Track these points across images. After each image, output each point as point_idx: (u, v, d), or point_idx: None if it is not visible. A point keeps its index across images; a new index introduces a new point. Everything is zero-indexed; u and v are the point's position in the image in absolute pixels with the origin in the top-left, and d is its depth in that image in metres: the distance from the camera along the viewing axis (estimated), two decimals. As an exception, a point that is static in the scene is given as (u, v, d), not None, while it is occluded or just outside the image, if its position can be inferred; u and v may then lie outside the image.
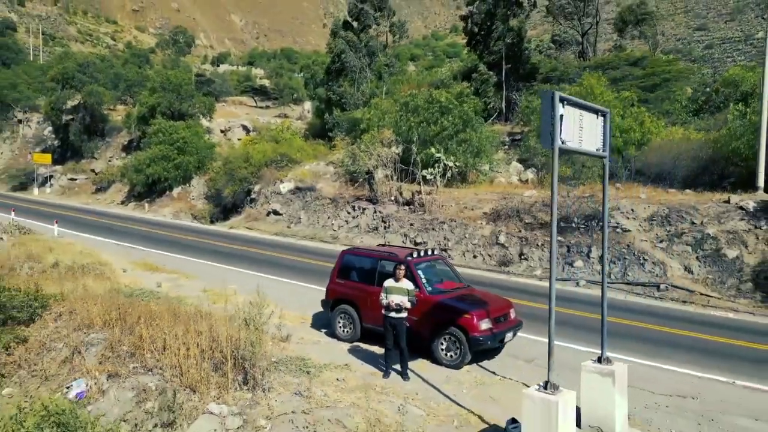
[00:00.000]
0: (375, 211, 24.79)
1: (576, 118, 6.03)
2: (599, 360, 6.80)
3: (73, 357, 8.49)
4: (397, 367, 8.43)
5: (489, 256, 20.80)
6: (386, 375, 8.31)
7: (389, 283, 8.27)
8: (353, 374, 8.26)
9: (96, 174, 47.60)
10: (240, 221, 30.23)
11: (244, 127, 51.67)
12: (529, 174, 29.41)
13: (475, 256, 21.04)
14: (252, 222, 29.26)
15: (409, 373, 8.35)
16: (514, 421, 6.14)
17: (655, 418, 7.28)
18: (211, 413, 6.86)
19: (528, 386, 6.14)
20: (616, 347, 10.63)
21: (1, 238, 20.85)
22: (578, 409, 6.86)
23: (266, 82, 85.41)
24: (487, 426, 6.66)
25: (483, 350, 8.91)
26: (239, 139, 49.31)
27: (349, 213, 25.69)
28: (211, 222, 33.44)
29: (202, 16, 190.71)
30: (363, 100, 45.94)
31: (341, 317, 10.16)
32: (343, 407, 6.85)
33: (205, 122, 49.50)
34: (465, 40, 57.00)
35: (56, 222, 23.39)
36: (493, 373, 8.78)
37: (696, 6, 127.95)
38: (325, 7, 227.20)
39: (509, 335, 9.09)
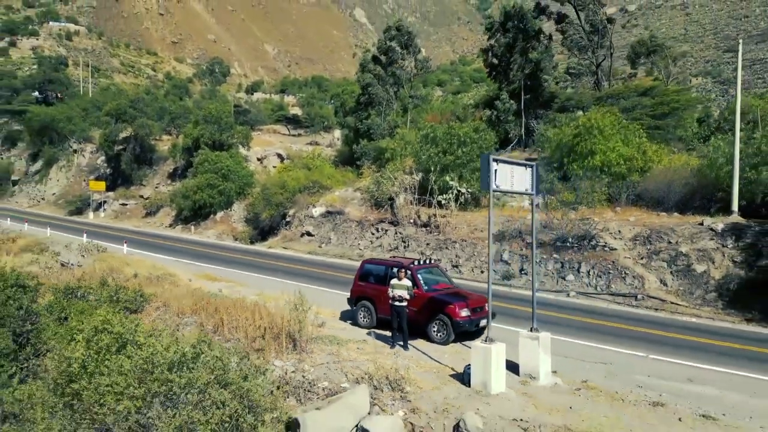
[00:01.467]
0: (396, 233, 28.45)
1: (508, 170, 9.59)
2: (531, 329, 10.19)
3: (174, 332, 12.25)
4: (401, 342, 11.94)
5: (494, 271, 24.11)
6: (392, 346, 11.84)
7: (394, 281, 11.86)
8: (369, 345, 11.83)
9: (145, 199, 52.69)
10: (277, 242, 34.24)
11: (279, 155, 56.25)
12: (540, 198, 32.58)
13: (482, 272, 24.39)
14: (287, 242, 33.23)
15: (409, 346, 11.86)
16: (469, 366, 9.60)
17: (575, 373, 10.60)
18: (274, 365, 10.49)
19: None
20: (581, 336, 14.01)
21: (83, 256, 25.20)
22: (518, 365, 10.28)
23: (298, 111, 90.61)
24: (454, 372, 10.12)
25: (464, 332, 12.33)
26: (274, 167, 53.81)
27: (373, 234, 29.41)
28: (251, 242, 37.53)
29: (237, 46, 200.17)
30: (388, 130, 50.08)
31: (362, 310, 13.78)
32: (360, 361, 10.42)
33: (243, 151, 54.25)
34: (486, 71, 60.92)
35: (125, 242, 27.76)
36: (469, 347, 12.20)
37: (726, 28, 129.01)
38: (355, 35, 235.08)
39: (483, 322, 12.51)
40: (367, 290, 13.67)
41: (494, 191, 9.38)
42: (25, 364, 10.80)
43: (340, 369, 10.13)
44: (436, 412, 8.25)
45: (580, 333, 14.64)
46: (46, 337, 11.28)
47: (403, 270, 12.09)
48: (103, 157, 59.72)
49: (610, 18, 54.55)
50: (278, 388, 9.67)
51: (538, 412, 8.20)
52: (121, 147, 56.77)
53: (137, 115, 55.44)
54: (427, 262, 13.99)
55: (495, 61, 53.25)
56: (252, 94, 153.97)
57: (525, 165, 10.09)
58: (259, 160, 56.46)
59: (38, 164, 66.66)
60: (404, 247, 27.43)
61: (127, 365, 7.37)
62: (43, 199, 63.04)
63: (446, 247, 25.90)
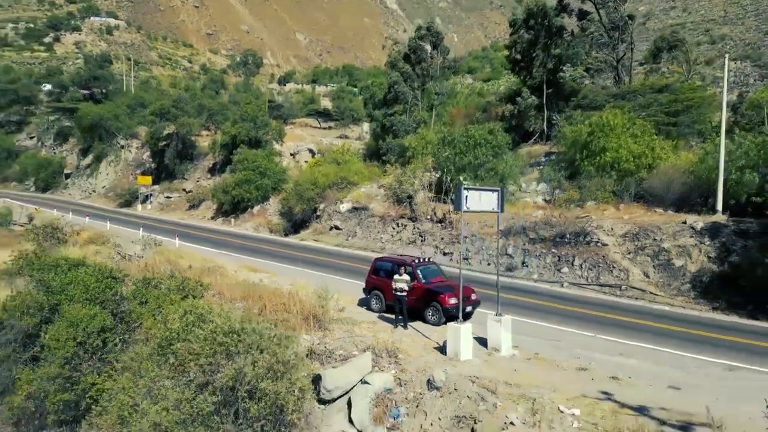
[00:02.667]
0: (414, 228, 31.88)
1: (476, 195, 12.92)
2: (497, 314, 13.56)
3: (229, 312, 16.04)
4: (403, 324, 15.46)
5: (500, 263, 27.36)
6: (395, 326, 15.37)
7: (396, 276, 15.35)
8: (377, 326, 15.41)
9: (187, 193, 57.39)
10: (308, 234, 38.11)
11: (310, 150, 60.13)
12: (545, 196, 35.45)
13: (489, 264, 27.64)
14: (318, 235, 37.05)
15: (408, 326, 15.37)
16: (446, 341, 13.06)
17: (534, 348, 13.93)
18: (304, 338, 14.16)
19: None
20: (552, 320, 17.28)
21: (143, 248, 29.52)
22: (486, 340, 13.69)
23: (329, 103, 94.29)
24: (437, 345, 13.59)
25: (453, 316, 15.71)
26: (306, 162, 57.74)
27: (394, 229, 32.92)
28: (285, 234, 41.51)
29: (270, 36, 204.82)
30: (413, 127, 53.28)
31: (374, 297, 17.35)
32: (368, 336, 14.00)
33: (277, 146, 58.34)
34: (510, 67, 63.35)
35: (177, 236, 32.05)
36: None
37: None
38: (386, 22, 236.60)
39: (469, 308, 15.89)
40: (378, 282, 17.22)
41: (465, 211, 12.74)
42: (122, 336, 14.77)
43: (352, 342, 13.74)
44: (417, 371, 11.76)
45: (555, 318, 17.87)
46: (135, 316, 15.23)
47: (403, 267, 15.58)
48: (148, 153, 64.77)
49: (631, 15, 56.01)
50: (307, 355, 13.36)
51: (489, 373, 11.63)
52: (164, 143, 61.61)
53: (179, 114, 60.04)
54: (426, 260, 17.47)
55: (518, 56, 55.69)
56: (284, 84, 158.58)
57: (492, 190, 13.41)
58: (292, 155, 60.46)
59: (88, 159, 72.36)
60: (421, 241, 30.88)
61: (201, 334, 11.14)
62: (94, 191, 68.70)
63: (458, 242, 29.19)
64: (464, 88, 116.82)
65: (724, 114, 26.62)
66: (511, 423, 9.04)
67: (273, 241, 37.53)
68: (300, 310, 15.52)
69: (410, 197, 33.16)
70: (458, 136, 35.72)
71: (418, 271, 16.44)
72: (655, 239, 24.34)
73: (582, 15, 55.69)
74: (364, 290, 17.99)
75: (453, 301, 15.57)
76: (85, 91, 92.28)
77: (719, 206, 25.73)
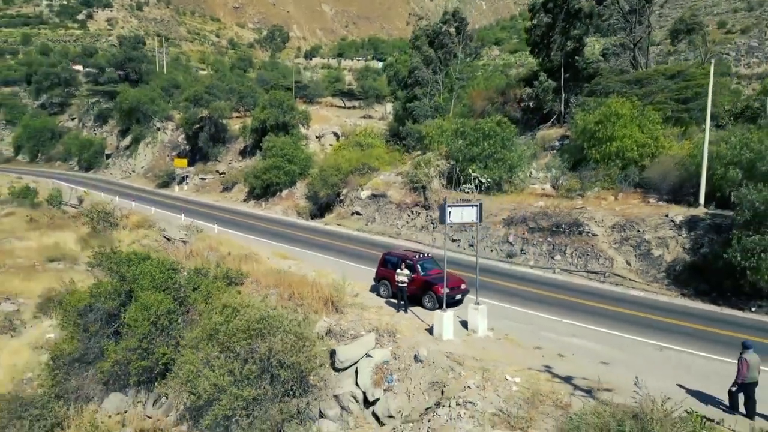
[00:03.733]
0: (426, 215, 35.44)
1: (459, 211, 16.43)
2: (476, 303, 17.20)
3: (264, 299, 20.08)
4: (404, 309, 19.25)
5: (501, 251, 30.86)
6: (398, 311, 19.18)
7: (398, 270, 19.08)
8: (383, 310, 19.24)
9: (220, 174, 61.83)
10: (332, 218, 42.02)
11: (335, 134, 63.68)
12: (552, 183, 38.36)
13: (492, 251, 31.15)
14: (341, 219, 40.93)
15: (408, 311, 19.16)
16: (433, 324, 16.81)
17: (506, 330, 17.56)
18: (324, 320, 18.07)
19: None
20: (530, 306, 20.81)
21: (186, 234, 33.88)
22: (466, 323, 17.39)
23: (353, 84, 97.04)
24: (428, 327, 17.36)
25: (446, 303, 19.44)
26: (330, 145, 61.37)
27: (409, 216, 36.54)
28: (313, 217, 45.50)
29: (296, 8, 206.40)
30: (432, 112, 56.16)
31: (382, 285, 21.15)
32: (374, 319, 17.83)
33: (303, 130, 62.04)
34: (529, 49, 65.36)
35: (216, 223, 36.37)
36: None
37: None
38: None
39: (459, 296, 19.56)
40: (386, 273, 20.98)
41: (448, 224, 16.31)
42: (182, 316, 18.92)
43: (361, 324, 17.60)
44: (408, 348, 15.56)
45: (534, 304, 21.37)
46: (191, 300, 19.36)
47: (404, 262, 19.30)
48: (182, 136, 69.27)
49: (649, -1, 57.09)
50: (326, 333, 17.29)
51: (463, 350, 15.35)
52: (198, 126, 65.93)
53: (211, 99, 64.07)
54: (425, 255, 21.13)
55: (537, 39, 57.71)
56: (310, 59, 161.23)
57: (472, 205, 16.89)
58: (317, 137, 64.14)
59: (127, 140, 77.39)
60: (433, 228, 34.44)
61: (240, 324, 15.13)
62: (133, 171, 73.85)
63: (465, 230, 32.70)
64: (487, 64, 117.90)
65: (708, 112, 29.10)
66: (468, 387, 12.75)
67: (300, 225, 41.58)
68: (321, 296, 19.42)
69: (424, 187, 36.60)
70: (469, 129, 38.71)
71: (418, 266, 20.14)
72: (638, 231, 27.42)
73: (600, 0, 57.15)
74: (375, 279, 21.82)
75: (444, 291, 19.24)
76: (121, 72, 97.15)
77: (701, 200, 28.53)
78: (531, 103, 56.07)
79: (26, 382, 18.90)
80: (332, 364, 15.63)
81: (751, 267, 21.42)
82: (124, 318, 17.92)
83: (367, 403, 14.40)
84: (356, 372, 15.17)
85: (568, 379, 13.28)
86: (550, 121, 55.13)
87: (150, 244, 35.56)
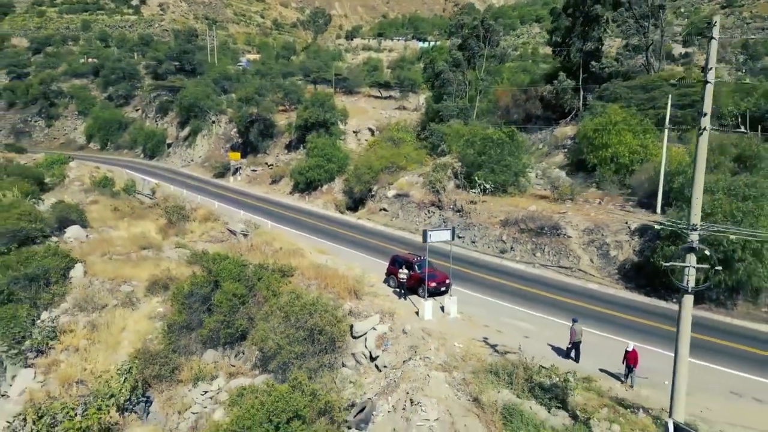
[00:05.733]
0: (440, 215, 43.75)
1: (438, 233, 24.89)
2: (450, 295, 25.73)
3: (307, 288, 29.11)
4: (404, 298, 27.96)
5: (495, 247, 38.99)
6: (399, 298, 27.95)
7: (400, 270, 27.79)
8: (389, 297, 28.06)
9: (269, 166, 71.45)
10: (363, 213, 50.85)
11: (370, 129, 72.04)
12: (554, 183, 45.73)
13: (488, 247, 39.31)
14: (370, 214, 49.69)
15: (407, 299, 27.90)
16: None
17: (470, 313, 26.04)
18: (348, 304, 26.98)
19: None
20: (499, 296, 29.27)
21: (246, 228, 43.38)
22: (443, 307, 26.05)
23: (389, 72, 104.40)
24: (416, 311, 26.04)
25: (433, 293, 27.95)
26: (366, 140, 69.84)
27: (425, 214, 44.93)
28: (348, 209, 54.41)
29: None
30: (456, 113, 63.65)
31: (391, 279, 29.96)
32: (382, 305, 26.66)
33: (341, 126, 70.69)
34: (551, 50, 71.81)
35: (270, 218, 45.84)
36: (434, 300, 27.98)
37: None
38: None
39: (443, 288, 28.12)
40: (393, 270, 29.69)
41: (429, 242, 24.82)
42: (252, 299, 28.15)
43: (372, 307, 26.40)
44: (400, 324, 24.26)
45: (503, 294, 29.61)
46: (257, 288, 28.60)
47: (404, 264, 27.97)
48: (235, 129, 79.12)
49: (661, 4, 62.62)
50: (348, 313, 26.20)
51: (435, 326, 23.95)
52: (249, 121, 75.51)
53: (261, 99, 73.43)
54: (421, 258, 29.64)
55: (558, 39, 64.28)
56: (351, 39, 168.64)
57: (446, 229, 25.24)
58: (354, 132, 72.67)
59: (186, 131, 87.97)
60: (444, 226, 42.68)
61: (298, 305, 24.25)
62: (192, 160, 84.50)
63: (468, 228, 40.93)
64: (526, 43, 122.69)
65: (667, 123, 36.08)
66: (430, 349, 21.37)
67: (336, 219, 50.65)
68: (346, 287, 28.28)
69: (438, 192, 44.82)
70: (479, 140, 46.34)
71: (415, 266, 28.73)
72: (602, 234, 35.06)
73: (616, 5, 62.94)
74: (386, 274, 30.59)
75: (434, 284, 27.85)
76: (176, 63, 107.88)
77: (658, 209, 35.81)
78: (552, 101, 62.95)
79: (149, 341, 28.63)
80: (351, 334, 24.52)
81: (670, 270, 28.97)
82: (214, 300, 27.30)
83: (372, 358, 23.24)
84: (365, 339, 24.01)
85: (494, 346, 21.76)
86: (569, 118, 61.91)
87: (216, 235, 45.44)
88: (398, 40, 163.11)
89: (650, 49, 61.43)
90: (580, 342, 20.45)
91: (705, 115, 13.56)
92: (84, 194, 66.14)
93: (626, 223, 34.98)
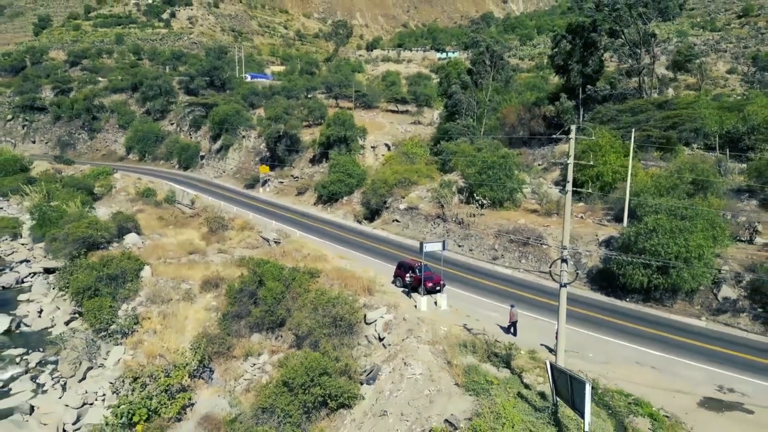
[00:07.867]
0: (443, 226, 51.86)
1: (431, 245, 33.12)
2: (441, 292, 33.90)
3: (331, 286, 37.46)
4: (408, 294, 36.18)
5: (489, 255, 46.95)
6: (405, 294, 36.21)
7: (407, 272, 36.12)
8: (396, 294, 36.32)
9: (295, 178, 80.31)
10: (379, 223, 59.19)
11: (386, 145, 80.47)
12: (539, 203, 53.59)
13: (483, 254, 47.30)
14: (385, 225, 58.01)
15: (411, 296, 36.14)
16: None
17: (458, 306, 34.14)
18: (363, 299, 35.30)
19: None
20: (485, 294, 37.49)
21: (278, 237, 51.99)
22: (436, 302, 34.30)
23: (405, 85, 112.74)
24: (416, 304, 34.26)
25: (430, 291, 36.05)
26: (383, 155, 78.28)
27: (431, 226, 53.07)
28: (365, 219, 62.80)
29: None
30: (464, 131, 71.80)
31: (397, 280, 38.28)
32: (389, 300, 34.94)
33: (360, 142, 79.26)
34: (554, 72, 79.60)
35: (298, 228, 54.47)
36: (429, 296, 36.12)
37: None
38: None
39: (438, 288, 36.28)
40: (399, 273, 37.96)
41: (425, 253, 33.03)
42: (289, 295, 36.65)
43: (381, 301, 34.66)
44: (401, 314, 32.45)
45: (488, 293, 37.59)
46: (293, 286, 37.14)
47: (409, 269, 36.26)
48: (263, 144, 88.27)
49: (653, 33, 70.02)
50: (363, 306, 34.53)
51: (428, 315, 32.11)
52: (276, 137, 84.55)
53: (287, 118, 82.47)
54: (421, 264, 37.81)
55: (560, 62, 72.13)
56: (371, 50, 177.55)
57: (438, 241, 33.41)
58: (372, 147, 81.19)
59: (218, 144, 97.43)
60: (447, 236, 50.80)
61: (324, 298, 32.73)
62: (224, 172, 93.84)
63: (467, 238, 48.97)
64: (530, 67, 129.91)
65: (632, 148, 43.78)
66: (422, 330, 29.51)
67: (354, 229, 59.11)
68: (362, 286, 36.57)
69: (442, 206, 52.98)
70: (479, 162, 54.37)
71: (417, 269, 36.94)
72: (576, 244, 42.86)
73: (612, 33, 70.66)
74: (394, 276, 38.90)
75: (430, 284, 36.04)
76: (206, 78, 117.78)
77: (625, 222, 43.43)
78: (554, 119, 70.74)
79: (207, 327, 37.28)
80: (365, 321, 32.80)
81: (623, 275, 36.69)
82: (260, 295, 35.84)
83: (380, 339, 31.48)
84: (375, 324, 32.25)
85: (469, 329, 29.86)
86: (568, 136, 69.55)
87: (252, 242, 54.21)
88: (417, 50, 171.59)
89: (642, 74, 68.95)
90: (516, 322, 28.93)
91: (568, 182, 21.65)
92: (130, 203, 75.79)
93: (596, 235, 42.72)
